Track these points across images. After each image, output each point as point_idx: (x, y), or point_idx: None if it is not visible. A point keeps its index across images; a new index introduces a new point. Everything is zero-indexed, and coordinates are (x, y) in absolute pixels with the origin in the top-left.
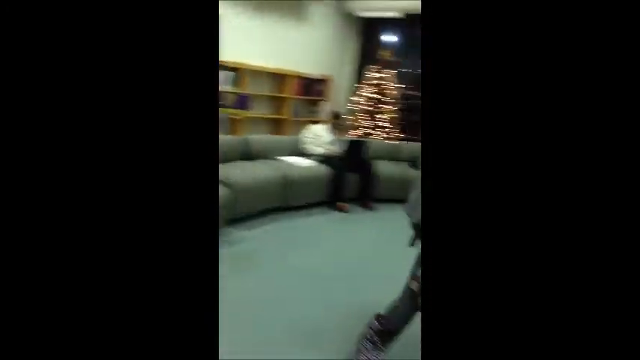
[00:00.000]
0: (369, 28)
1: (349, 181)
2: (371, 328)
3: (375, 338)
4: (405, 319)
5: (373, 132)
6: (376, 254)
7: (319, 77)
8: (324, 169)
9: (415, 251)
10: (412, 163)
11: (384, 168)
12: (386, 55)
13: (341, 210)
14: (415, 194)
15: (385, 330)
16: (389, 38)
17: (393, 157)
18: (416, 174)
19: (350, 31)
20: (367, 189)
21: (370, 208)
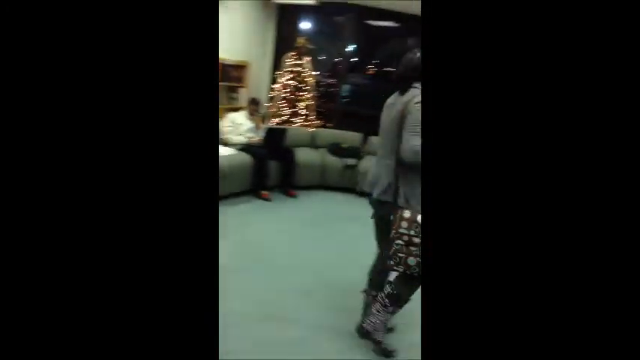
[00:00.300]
0: (286, 15)
1: (271, 169)
2: (383, 291)
3: (386, 301)
4: (410, 293)
5: (293, 119)
6: (302, 242)
7: (235, 63)
8: (245, 158)
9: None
10: (331, 149)
11: (303, 155)
12: (302, 42)
13: (264, 199)
14: (372, 174)
15: (394, 294)
16: (305, 25)
17: (311, 144)
18: (333, 159)
19: (268, 17)
20: (289, 177)
21: (294, 196)
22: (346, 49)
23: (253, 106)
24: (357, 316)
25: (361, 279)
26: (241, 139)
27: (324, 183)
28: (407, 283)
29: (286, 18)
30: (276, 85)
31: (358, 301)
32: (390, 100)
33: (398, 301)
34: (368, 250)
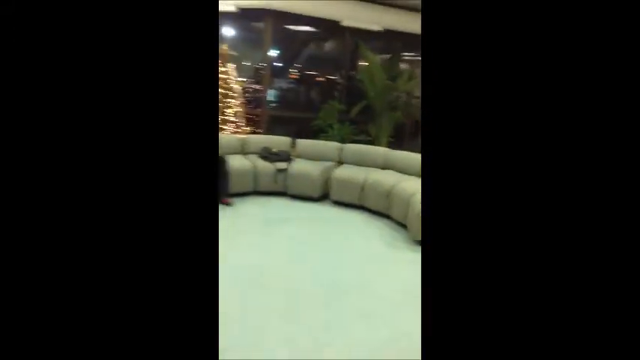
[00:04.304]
0: None
1: None
2: None
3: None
4: None
5: (222, 127)
6: (241, 249)
7: None
8: None
9: None
10: (261, 154)
11: (235, 162)
12: (224, 49)
13: None
14: None
15: None
16: (227, 32)
17: (242, 150)
18: (265, 164)
19: None
20: (223, 185)
21: (230, 204)
22: (268, 55)
23: None
24: (298, 318)
25: (303, 278)
26: None
27: (256, 188)
28: None
29: None
30: None
31: (300, 302)
32: None
33: None
34: (306, 250)
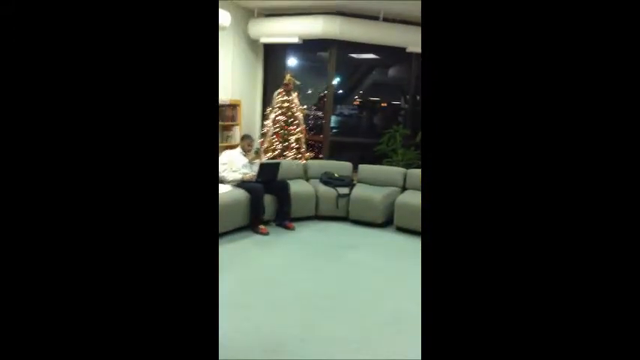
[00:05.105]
0: (273, 54)
1: (267, 204)
2: None
3: None
4: None
5: (285, 153)
6: (304, 274)
7: (229, 103)
8: (241, 194)
9: None
10: (323, 180)
11: (297, 187)
12: (289, 78)
13: (262, 234)
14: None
15: None
16: (291, 62)
17: (304, 176)
18: (326, 189)
19: (256, 57)
20: (286, 209)
21: (292, 229)
22: (332, 83)
23: (246, 141)
24: (366, 349)
25: (368, 306)
26: (236, 175)
27: (318, 213)
28: None
29: (273, 56)
30: (267, 122)
31: (367, 332)
32: None
33: None
34: (372, 278)
